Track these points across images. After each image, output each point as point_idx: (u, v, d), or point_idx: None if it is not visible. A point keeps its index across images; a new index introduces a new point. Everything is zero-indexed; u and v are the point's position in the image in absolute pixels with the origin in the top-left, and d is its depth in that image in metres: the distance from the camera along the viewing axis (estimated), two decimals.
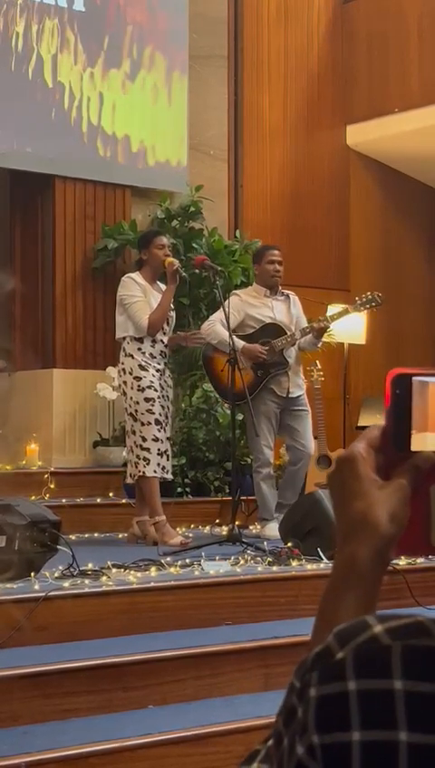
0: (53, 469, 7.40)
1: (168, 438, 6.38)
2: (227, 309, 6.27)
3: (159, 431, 6.25)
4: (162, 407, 6.30)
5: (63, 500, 6.89)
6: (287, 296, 6.93)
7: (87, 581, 4.64)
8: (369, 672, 0.78)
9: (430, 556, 5.11)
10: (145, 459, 6.22)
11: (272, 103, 9.69)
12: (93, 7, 8.35)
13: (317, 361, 7.88)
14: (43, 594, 4.30)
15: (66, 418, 8.01)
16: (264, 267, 6.84)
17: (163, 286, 6.46)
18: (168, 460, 6.34)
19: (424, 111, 9.54)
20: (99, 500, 7.20)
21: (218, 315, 6.49)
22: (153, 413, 6.23)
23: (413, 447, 0.93)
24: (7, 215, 8.44)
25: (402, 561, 5.28)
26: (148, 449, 6.22)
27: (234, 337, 6.46)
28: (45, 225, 8.22)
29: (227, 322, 6.22)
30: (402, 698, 0.77)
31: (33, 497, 6.45)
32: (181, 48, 8.81)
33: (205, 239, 8.38)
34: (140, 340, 6.32)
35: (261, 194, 9.59)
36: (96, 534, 6.70)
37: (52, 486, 7.08)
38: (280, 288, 6.89)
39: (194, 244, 8.22)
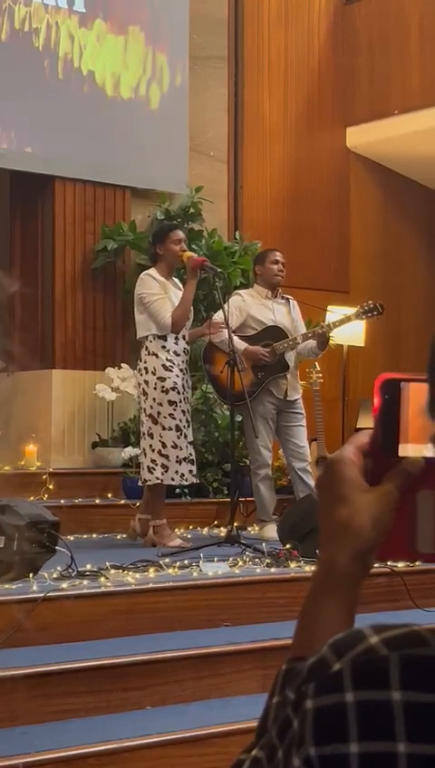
0: (51, 470, 7.39)
1: (190, 443, 6.25)
2: (226, 310, 6.27)
3: (179, 438, 6.14)
4: (183, 411, 6.19)
5: (62, 501, 6.88)
6: (287, 300, 6.94)
7: (85, 582, 4.64)
8: (367, 683, 0.78)
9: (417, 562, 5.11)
10: (163, 466, 6.12)
11: (272, 105, 9.69)
12: (94, 8, 8.35)
13: (316, 363, 7.88)
14: (42, 595, 4.30)
15: (65, 419, 8.01)
16: (267, 267, 6.83)
17: (178, 281, 6.41)
18: (192, 464, 6.22)
19: (424, 114, 9.54)
20: (97, 501, 7.19)
21: (221, 315, 6.48)
22: (175, 418, 6.12)
23: (401, 452, 0.94)
24: (7, 215, 8.44)
25: (401, 564, 5.28)
26: (167, 456, 6.11)
27: (236, 337, 6.46)
28: (45, 225, 8.22)
29: (227, 323, 6.21)
30: (401, 709, 0.76)
31: (31, 498, 6.45)
32: (182, 49, 8.81)
33: (204, 240, 8.38)
34: (164, 337, 6.18)
35: (261, 195, 9.59)
36: (94, 535, 6.70)
37: (50, 487, 7.07)
38: (280, 291, 6.91)
39: (194, 246, 8.21)
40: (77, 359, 8.14)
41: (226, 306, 6.30)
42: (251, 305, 6.79)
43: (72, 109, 8.15)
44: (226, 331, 6.34)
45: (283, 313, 6.86)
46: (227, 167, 9.32)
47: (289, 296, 6.98)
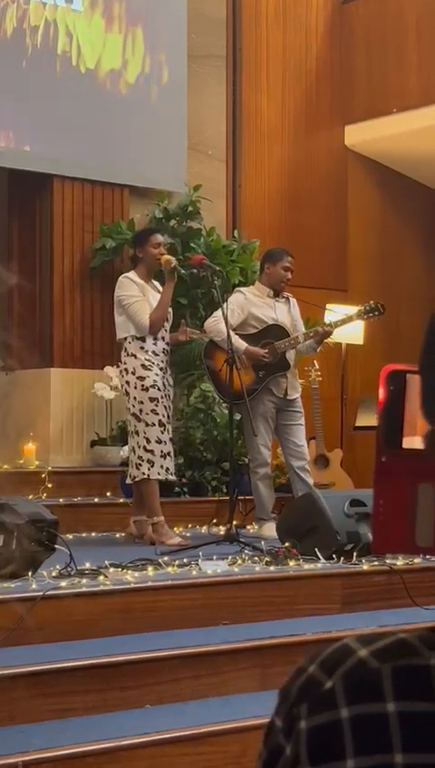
0: (50, 468, 7.39)
1: (170, 439, 6.36)
2: (225, 309, 6.28)
3: (163, 433, 6.23)
4: (165, 407, 6.28)
5: (61, 499, 6.88)
6: (287, 299, 6.95)
7: (84, 581, 4.64)
8: (361, 697, 0.77)
9: (426, 556, 5.10)
10: (149, 462, 6.19)
11: (270, 103, 9.69)
12: (92, 6, 8.34)
13: (315, 361, 7.89)
14: (41, 593, 4.30)
15: (64, 418, 8.01)
16: (278, 270, 6.82)
17: (158, 284, 6.46)
18: (171, 460, 6.32)
19: (422, 112, 9.54)
20: (96, 499, 7.19)
21: (220, 312, 6.47)
22: (157, 414, 6.21)
23: (405, 445, 0.93)
24: (5, 214, 8.43)
25: (400, 562, 5.28)
26: (152, 451, 6.20)
27: (237, 337, 6.48)
28: (43, 224, 8.21)
29: (226, 322, 6.22)
30: (396, 720, 0.76)
31: (30, 496, 6.44)
32: (180, 48, 8.81)
33: (203, 239, 8.37)
34: (142, 338, 6.29)
35: (259, 194, 9.59)
36: (93, 534, 6.70)
37: (49, 486, 7.07)
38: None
39: (192, 244, 8.22)
40: (75, 357, 8.13)
41: (224, 305, 6.32)
42: (253, 303, 6.79)
43: (71, 107, 8.14)
44: (220, 327, 6.36)
45: (284, 312, 6.86)
46: (225, 165, 9.31)
47: (289, 294, 6.98)
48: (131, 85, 8.52)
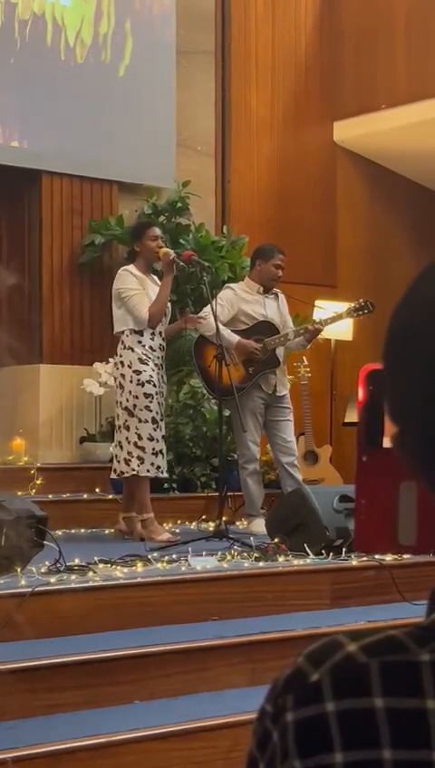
0: (39, 465, 7.39)
1: (163, 437, 6.33)
2: (214, 305, 6.28)
3: (155, 430, 6.20)
4: (159, 404, 6.25)
5: (50, 495, 6.88)
6: (276, 295, 6.95)
7: (74, 577, 4.64)
8: (347, 692, 0.78)
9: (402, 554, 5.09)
10: (139, 458, 6.17)
11: (259, 99, 9.68)
12: (80, 1, 8.32)
13: (304, 357, 7.90)
14: (30, 590, 4.29)
15: (53, 414, 8.00)
16: (269, 267, 6.82)
17: (157, 278, 6.44)
18: (163, 458, 6.29)
19: (411, 108, 9.54)
20: (85, 495, 7.19)
21: (208, 309, 6.47)
22: (151, 410, 6.18)
23: (386, 444, 0.94)
24: None
25: (389, 557, 5.29)
26: (143, 448, 6.17)
27: (228, 330, 6.48)
28: (32, 220, 8.20)
29: (215, 317, 6.22)
30: (384, 716, 0.76)
31: (19, 493, 6.43)
32: (169, 43, 8.80)
33: (192, 235, 8.37)
34: (140, 332, 6.26)
35: (248, 189, 9.58)
36: (83, 530, 6.70)
37: (38, 482, 7.06)
38: None
39: (181, 240, 8.21)
40: (65, 353, 8.13)
41: (214, 301, 6.32)
42: (243, 299, 6.79)
43: (60, 102, 8.12)
44: (210, 322, 6.35)
45: (273, 308, 6.87)
46: (214, 161, 9.31)
47: (278, 290, 6.99)
48: (120, 80, 8.51)
